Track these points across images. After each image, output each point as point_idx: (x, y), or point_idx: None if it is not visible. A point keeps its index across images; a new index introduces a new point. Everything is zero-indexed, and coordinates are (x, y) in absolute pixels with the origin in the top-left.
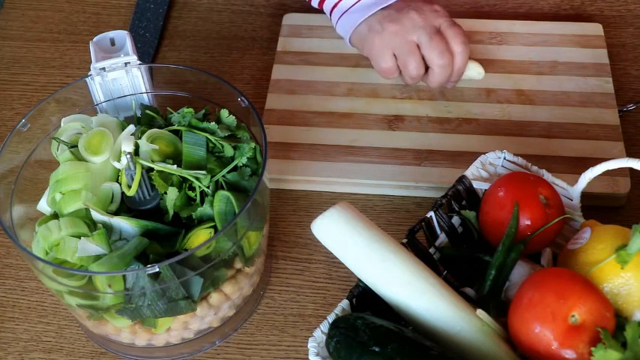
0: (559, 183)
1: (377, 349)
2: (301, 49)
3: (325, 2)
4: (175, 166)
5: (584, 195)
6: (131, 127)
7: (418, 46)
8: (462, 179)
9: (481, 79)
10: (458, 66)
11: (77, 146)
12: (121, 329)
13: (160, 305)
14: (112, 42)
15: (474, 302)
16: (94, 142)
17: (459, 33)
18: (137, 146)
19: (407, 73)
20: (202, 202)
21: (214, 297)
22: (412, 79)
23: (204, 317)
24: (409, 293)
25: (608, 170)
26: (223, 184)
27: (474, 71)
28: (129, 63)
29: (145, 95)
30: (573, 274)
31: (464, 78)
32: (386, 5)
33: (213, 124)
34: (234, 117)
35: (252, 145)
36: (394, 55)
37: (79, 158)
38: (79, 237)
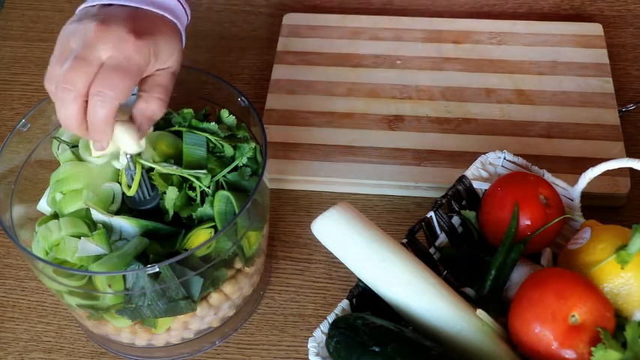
0: (559, 183)
1: (377, 349)
2: (301, 49)
3: None
4: (176, 166)
5: (584, 195)
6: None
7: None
8: (462, 179)
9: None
10: (90, 118)
11: (78, 146)
12: (121, 329)
13: (160, 305)
14: None
15: (474, 302)
16: None
17: (115, 83)
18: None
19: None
20: (202, 202)
21: (214, 297)
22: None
23: (204, 317)
24: (409, 293)
25: (608, 170)
26: (223, 184)
27: (128, 142)
28: None
29: None
30: (573, 274)
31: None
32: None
33: (213, 124)
34: (234, 117)
35: (253, 145)
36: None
37: (79, 158)
38: (79, 237)
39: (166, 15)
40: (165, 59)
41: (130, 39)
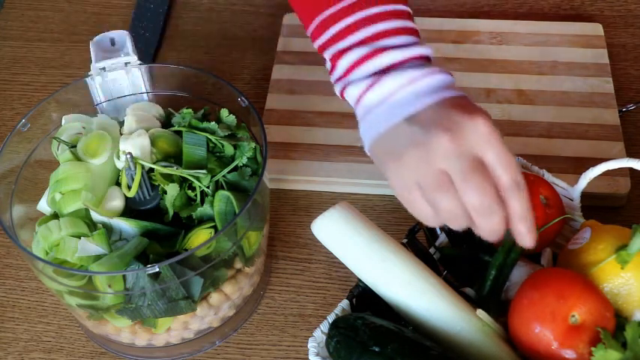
0: (559, 183)
1: (377, 349)
2: (301, 49)
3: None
4: (175, 166)
5: (584, 195)
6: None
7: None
8: None
9: None
10: (515, 211)
11: (77, 146)
12: (121, 329)
13: (160, 305)
14: (112, 42)
15: (474, 302)
16: (93, 145)
17: (510, 164)
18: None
19: (439, 213)
20: (202, 202)
21: (214, 297)
22: (450, 221)
23: (204, 317)
24: (409, 293)
25: (608, 170)
26: (223, 184)
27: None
28: (129, 63)
29: (144, 95)
30: (573, 274)
31: None
32: (412, 114)
33: (213, 124)
34: (234, 116)
35: (253, 144)
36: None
37: (79, 158)
38: (79, 237)
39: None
40: None
41: (476, 120)
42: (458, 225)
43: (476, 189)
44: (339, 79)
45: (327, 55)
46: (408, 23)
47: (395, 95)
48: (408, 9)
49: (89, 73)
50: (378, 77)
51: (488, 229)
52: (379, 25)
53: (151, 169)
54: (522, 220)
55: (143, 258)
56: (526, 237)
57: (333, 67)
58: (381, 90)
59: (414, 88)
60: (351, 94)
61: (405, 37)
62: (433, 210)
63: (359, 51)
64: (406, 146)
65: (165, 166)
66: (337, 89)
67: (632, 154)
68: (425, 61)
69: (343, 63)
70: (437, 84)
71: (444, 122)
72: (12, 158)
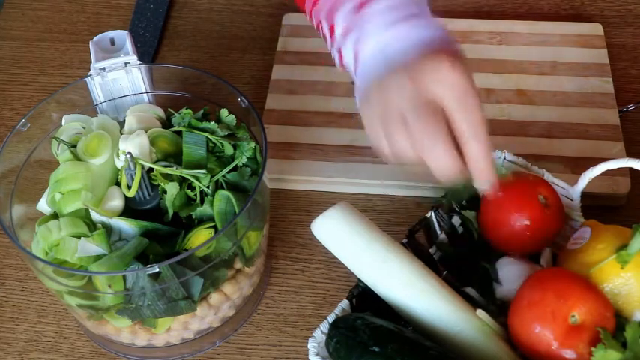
0: (559, 183)
1: (377, 349)
2: (301, 49)
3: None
4: (175, 166)
5: (584, 195)
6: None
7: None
8: None
9: None
10: (470, 155)
11: (77, 146)
12: (121, 329)
13: (160, 305)
14: (112, 42)
15: (475, 302)
16: (92, 145)
17: (469, 108)
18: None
19: (392, 147)
20: (202, 202)
21: (214, 297)
22: (401, 155)
23: (204, 317)
24: (409, 293)
25: (608, 170)
26: (223, 184)
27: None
28: (129, 63)
29: (144, 95)
30: (573, 274)
31: None
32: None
33: (213, 124)
34: (233, 116)
35: (252, 144)
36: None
37: (79, 158)
38: (79, 237)
39: None
40: None
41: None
42: (409, 159)
43: (423, 130)
44: (337, 42)
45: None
46: None
47: (386, 47)
48: None
49: (89, 73)
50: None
51: (436, 168)
52: None
53: (151, 169)
54: (477, 162)
55: (143, 258)
56: (480, 180)
57: (332, 34)
58: (372, 42)
59: (404, 42)
60: (347, 52)
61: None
62: (389, 144)
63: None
64: (372, 87)
65: (164, 166)
66: (336, 54)
67: (632, 154)
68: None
69: (339, 27)
70: (429, 34)
71: (409, 63)
72: (12, 158)
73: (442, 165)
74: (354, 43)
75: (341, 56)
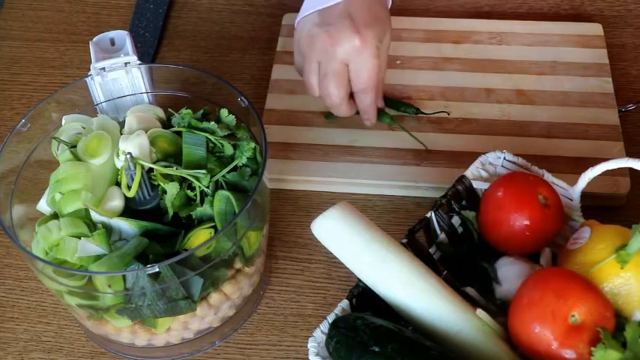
0: (559, 183)
1: (377, 349)
2: None
3: None
4: (175, 166)
5: (584, 195)
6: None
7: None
8: (461, 179)
9: None
10: (360, 106)
11: (77, 146)
12: (120, 329)
13: (160, 305)
14: (112, 42)
15: (475, 302)
16: (92, 145)
17: (363, 77)
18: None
19: (306, 84)
20: (202, 202)
21: (214, 297)
22: (309, 88)
23: (204, 317)
24: (409, 293)
25: (608, 170)
26: (223, 184)
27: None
28: (129, 63)
29: (144, 95)
30: (573, 274)
31: None
32: (325, 7)
33: (212, 124)
34: (233, 116)
35: (252, 144)
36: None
37: (79, 158)
38: (79, 237)
39: None
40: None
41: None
42: (313, 92)
43: (328, 86)
44: None
45: None
46: None
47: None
48: None
49: (89, 73)
50: None
51: (336, 111)
52: None
53: (151, 169)
54: (363, 113)
55: (143, 258)
56: (364, 118)
57: None
58: None
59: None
60: None
61: None
62: (305, 78)
63: None
64: (305, 32)
65: (164, 166)
66: None
67: (631, 154)
68: None
69: None
70: None
71: (335, 27)
72: (12, 158)
73: (341, 112)
74: None
75: None
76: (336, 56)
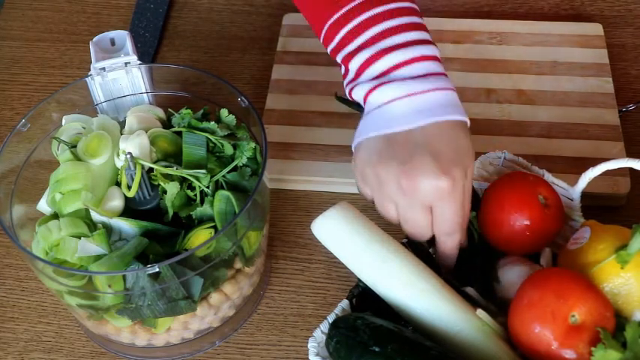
0: (559, 183)
1: (377, 349)
2: (301, 49)
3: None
4: (175, 166)
5: (584, 195)
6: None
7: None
8: None
9: None
10: (440, 251)
11: (77, 146)
12: (121, 329)
13: (160, 305)
14: (112, 42)
15: (475, 302)
16: (93, 146)
17: (448, 222)
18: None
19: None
20: (202, 202)
21: (214, 297)
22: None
23: (204, 317)
24: (409, 293)
25: (608, 170)
26: (223, 184)
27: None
28: (129, 63)
29: (145, 95)
30: (573, 274)
31: None
32: (395, 132)
33: (212, 124)
34: (233, 116)
35: (252, 144)
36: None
37: (79, 158)
38: (79, 237)
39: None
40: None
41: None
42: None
43: (409, 227)
44: (350, 82)
45: (339, 58)
46: (413, 19)
47: (390, 105)
48: (413, 5)
49: (89, 73)
50: (381, 81)
51: (411, 234)
52: (383, 24)
53: (151, 169)
54: (444, 258)
55: (143, 258)
56: (442, 265)
57: (345, 70)
58: (381, 96)
59: (410, 103)
60: (357, 95)
61: (411, 34)
62: (377, 206)
63: (364, 53)
64: (371, 163)
65: (164, 166)
66: (347, 91)
67: (631, 154)
68: (433, 60)
69: (353, 66)
70: (435, 101)
71: (413, 165)
72: (12, 158)
73: (418, 239)
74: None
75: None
76: (417, 201)
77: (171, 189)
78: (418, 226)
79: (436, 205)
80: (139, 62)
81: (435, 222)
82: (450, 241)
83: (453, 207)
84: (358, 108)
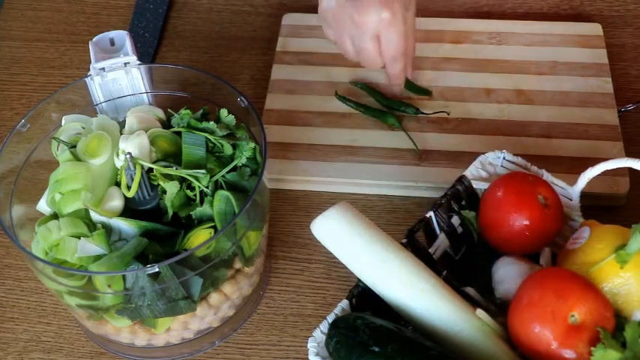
0: (559, 183)
1: (377, 349)
2: (301, 49)
3: None
4: (175, 166)
5: (584, 195)
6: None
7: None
8: (461, 179)
9: None
10: (389, 74)
11: (77, 146)
12: (120, 329)
13: (160, 305)
14: (112, 42)
15: (475, 302)
16: (92, 145)
17: (392, 47)
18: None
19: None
20: (202, 202)
21: (214, 297)
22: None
23: (204, 317)
24: (409, 293)
25: (608, 170)
26: (223, 184)
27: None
28: (128, 63)
29: (144, 95)
30: (573, 274)
31: None
32: None
33: (212, 124)
34: (233, 116)
35: (252, 144)
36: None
37: (79, 158)
38: (78, 237)
39: None
40: None
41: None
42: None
43: (363, 56)
44: None
45: None
46: None
47: None
48: None
49: (89, 74)
50: None
51: (365, 61)
52: None
53: (151, 169)
54: (393, 79)
55: (143, 258)
56: (395, 86)
57: None
58: None
59: None
60: None
61: None
62: (339, 45)
63: None
64: (331, 8)
65: (164, 166)
66: None
67: (631, 154)
68: None
69: None
70: None
71: (361, 2)
72: (12, 158)
73: (372, 67)
74: None
75: None
76: (366, 31)
77: (171, 189)
78: (370, 54)
79: (382, 34)
80: (138, 62)
81: (383, 49)
82: (396, 66)
83: (396, 34)
84: (358, 107)
